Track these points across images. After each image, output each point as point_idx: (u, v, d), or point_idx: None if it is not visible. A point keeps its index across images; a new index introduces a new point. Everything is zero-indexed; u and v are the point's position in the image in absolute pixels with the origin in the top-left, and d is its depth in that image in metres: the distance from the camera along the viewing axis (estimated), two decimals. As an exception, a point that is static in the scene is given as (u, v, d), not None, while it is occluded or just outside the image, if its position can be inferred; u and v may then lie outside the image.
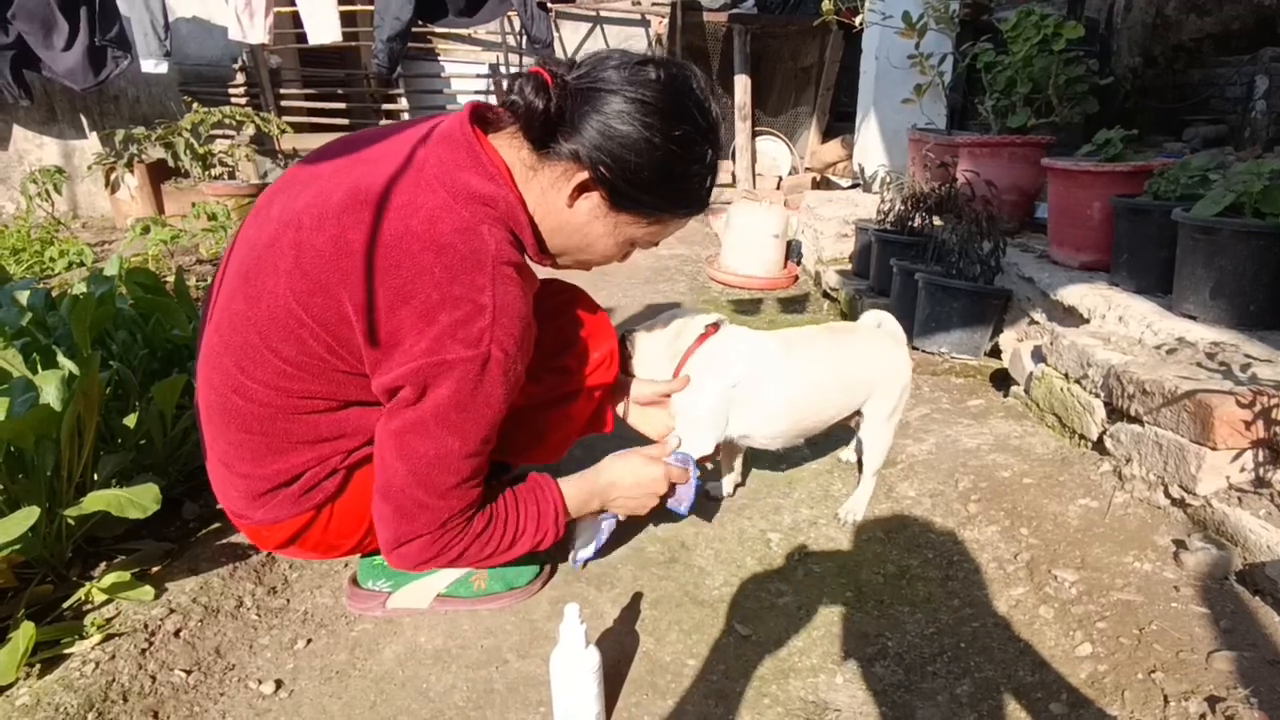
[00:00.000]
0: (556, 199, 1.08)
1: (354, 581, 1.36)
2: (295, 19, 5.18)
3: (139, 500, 1.27)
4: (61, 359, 1.58)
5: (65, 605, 1.28)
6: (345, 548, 1.24)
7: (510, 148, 1.08)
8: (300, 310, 1.01)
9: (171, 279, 3.19)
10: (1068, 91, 2.78)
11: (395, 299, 0.98)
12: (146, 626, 1.24)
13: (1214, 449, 1.41)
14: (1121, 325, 1.95)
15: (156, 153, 5.35)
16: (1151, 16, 7.04)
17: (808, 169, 5.91)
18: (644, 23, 6.73)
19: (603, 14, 6.70)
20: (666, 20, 5.78)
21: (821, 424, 1.55)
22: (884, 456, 1.62)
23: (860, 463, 1.74)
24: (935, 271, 2.49)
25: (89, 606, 1.30)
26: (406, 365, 0.99)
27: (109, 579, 1.30)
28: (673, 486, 1.34)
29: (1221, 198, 1.71)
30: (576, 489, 1.25)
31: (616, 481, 1.29)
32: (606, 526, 1.38)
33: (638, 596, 1.37)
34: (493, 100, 1.34)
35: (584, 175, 1.04)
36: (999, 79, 2.94)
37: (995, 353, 2.47)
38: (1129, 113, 6.66)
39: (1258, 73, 6.21)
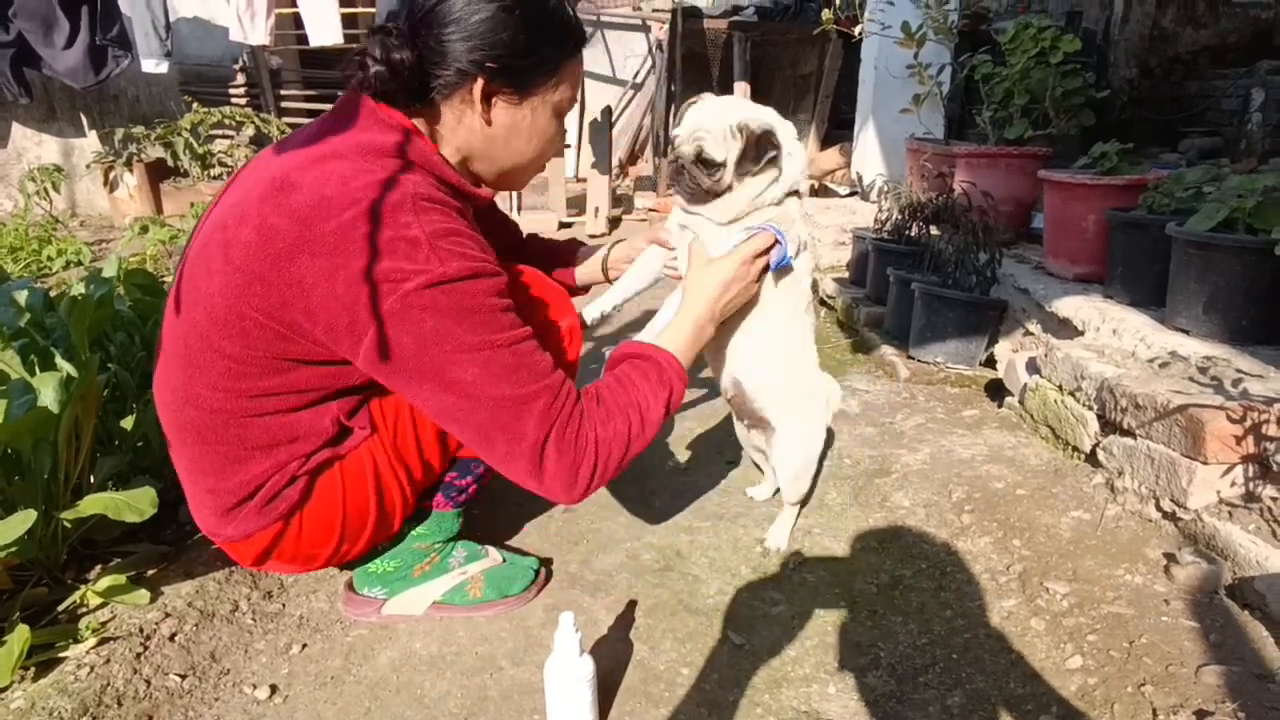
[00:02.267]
0: (474, 123, 1.10)
1: (350, 587, 1.36)
2: (296, 20, 5.19)
3: (136, 504, 1.27)
4: (60, 361, 1.58)
5: (60, 608, 1.28)
6: (322, 557, 1.22)
7: (408, 111, 1.08)
8: (240, 304, 1.01)
9: (169, 279, 3.20)
10: (1064, 104, 2.81)
11: (333, 266, 0.96)
12: (141, 630, 1.25)
13: (1205, 463, 1.42)
14: (1115, 338, 1.96)
15: (156, 152, 5.35)
16: (1148, 29, 7.08)
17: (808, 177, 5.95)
18: (645, 28, 6.75)
19: (603, 19, 6.72)
20: (667, 26, 5.80)
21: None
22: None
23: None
24: (931, 281, 2.51)
25: (84, 610, 1.30)
26: (376, 323, 0.97)
27: (104, 582, 1.30)
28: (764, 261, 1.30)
29: (1215, 213, 1.72)
30: (678, 333, 1.21)
31: (708, 296, 1.24)
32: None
33: (632, 604, 1.38)
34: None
35: (480, 82, 1.05)
36: (996, 90, 2.96)
37: (990, 363, 2.48)
38: (1125, 124, 6.70)
39: (1254, 85, 6.25)
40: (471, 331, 0.98)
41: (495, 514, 1.64)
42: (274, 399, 1.08)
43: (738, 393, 1.48)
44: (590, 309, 1.43)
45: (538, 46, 1.08)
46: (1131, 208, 2.12)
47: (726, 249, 1.30)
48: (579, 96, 1.21)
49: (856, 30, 3.53)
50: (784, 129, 1.32)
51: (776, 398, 1.47)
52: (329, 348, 1.02)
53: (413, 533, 1.32)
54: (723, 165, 1.27)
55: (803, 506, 1.64)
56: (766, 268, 1.31)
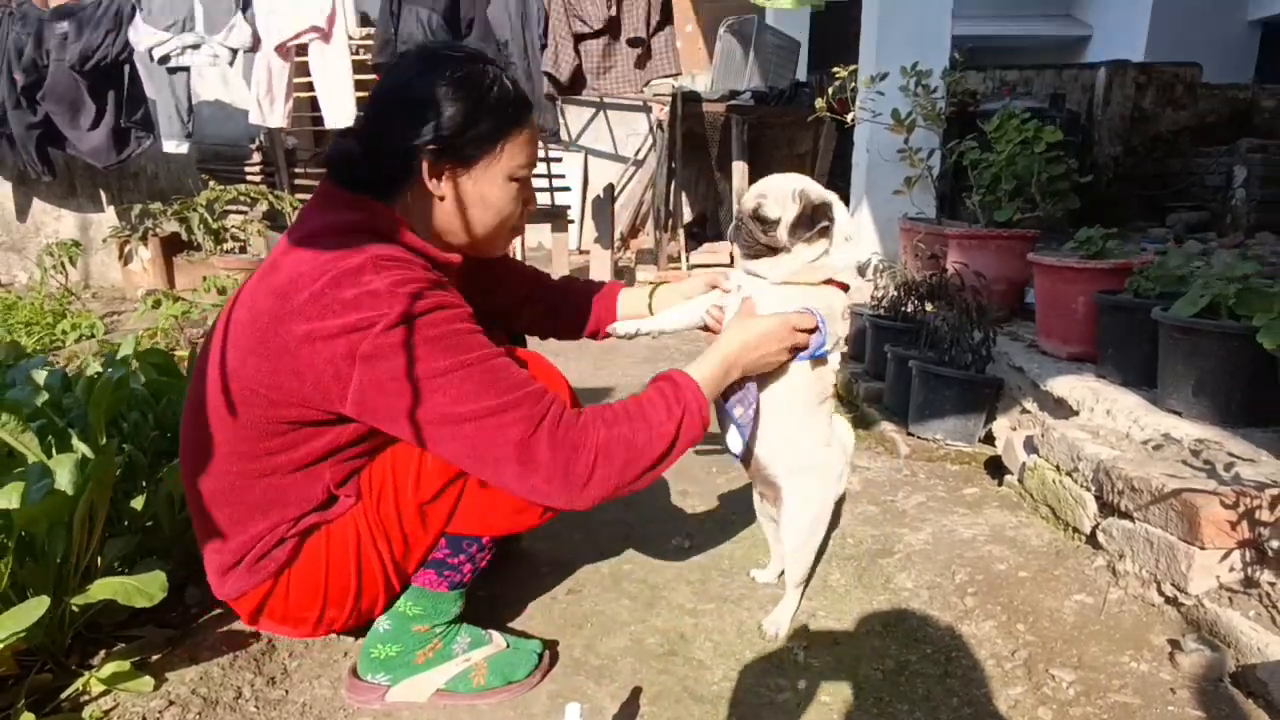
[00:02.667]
0: (431, 201, 1.20)
1: (354, 673, 1.36)
2: (312, 102, 5.42)
3: (146, 589, 1.29)
4: (76, 441, 1.62)
5: (64, 695, 1.28)
6: (310, 621, 1.26)
7: (377, 195, 1.19)
8: (239, 376, 1.12)
9: (180, 353, 3.26)
10: (1050, 188, 2.92)
11: (310, 329, 1.06)
12: (145, 719, 1.24)
13: (1202, 548, 1.44)
14: (1109, 419, 2.00)
15: (171, 226, 5.51)
16: (1129, 110, 7.38)
17: (803, 250, 6.09)
18: (646, 109, 7.04)
19: (606, 101, 7.01)
20: (667, 108, 6.05)
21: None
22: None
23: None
24: (928, 358, 2.56)
25: (86, 698, 1.30)
26: (354, 368, 1.05)
27: (108, 669, 1.30)
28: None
29: (1198, 299, 1.79)
30: (705, 364, 1.26)
31: (746, 342, 1.29)
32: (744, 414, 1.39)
33: (637, 691, 1.37)
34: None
35: (426, 160, 1.16)
36: (985, 175, 3.08)
37: (989, 439, 2.51)
38: (1113, 198, 6.91)
39: (1235, 163, 6.47)
40: (442, 356, 1.06)
41: (496, 596, 1.65)
42: (273, 459, 1.16)
43: (753, 459, 1.51)
44: (626, 324, 1.56)
45: (475, 121, 1.17)
46: (1119, 290, 2.19)
47: (774, 310, 1.37)
48: (534, 160, 1.29)
49: (849, 117, 3.70)
50: (842, 211, 1.42)
51: (788, 465, 1.50)
52: (320, 404, 1.11)
53: (409, 613, 1.31)
54: (777, 223, 1.37)
55: (804, 589, 1.64)
56: (802, 347, 1.37)
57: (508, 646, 1.40)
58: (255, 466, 1.16)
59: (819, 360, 1.41)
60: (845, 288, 1.45)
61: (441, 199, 1.20)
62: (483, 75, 1.18)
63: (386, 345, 1.04)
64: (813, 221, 1.36)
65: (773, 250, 1.39)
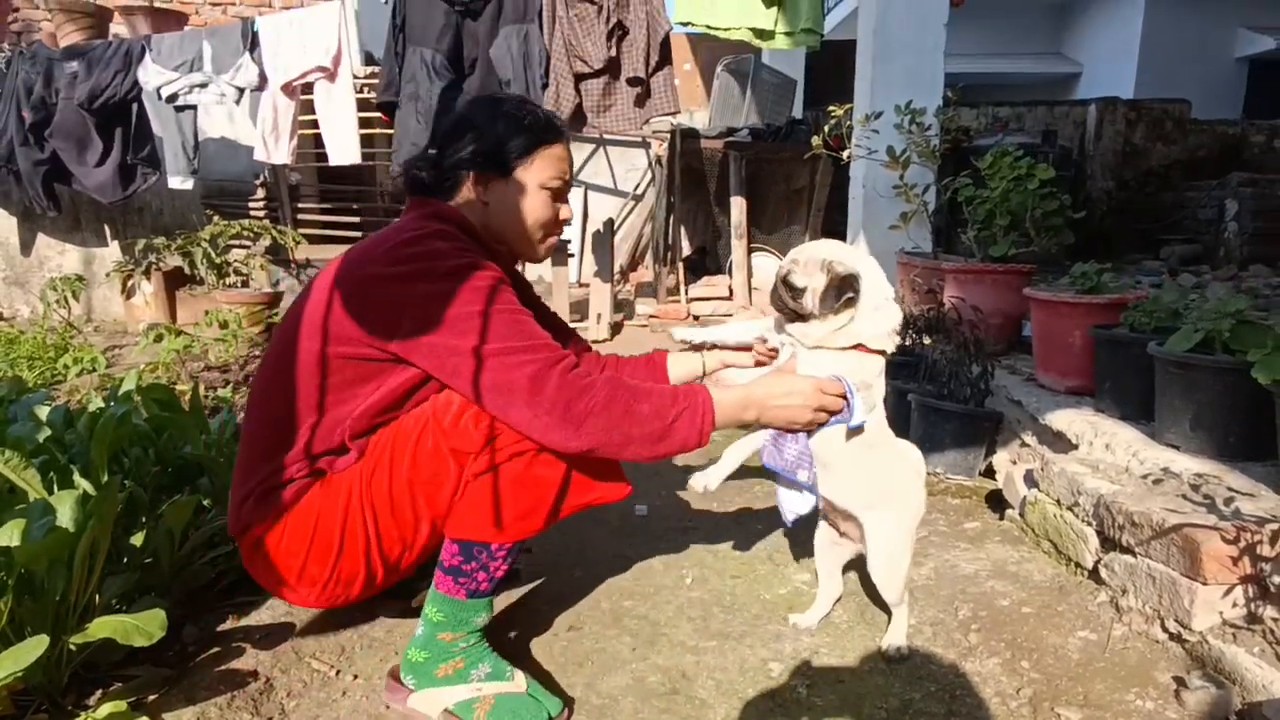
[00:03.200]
0: (477, 206, 1.43)
1: (393, 673, 1.40)
2: (317, 139, 5.51)
3: (145, 627, 1.28)
4: (77, 478, 1.62)
5: (60, 737, 1.26)
6: (293, 571, 1.33)
7: (446, 205, 1.43)
8: (314, 318, 1.30)
9: (181, 387, 3.26)
10: (1045, 223, 2.96)
11: (378, 274, 1.27)
12: (141, 761, 1.23)
13: (1205, 584, 1.43)
14: (1109, 453, 2.00)
15: (174, 260, 5.55)
16: (1120, 145, 7.50)
17: (802, 283, 6.14)
18: (645, 145, 7.15)
19: (606, 137, 7.12)
20: (666, 145, 6.15)
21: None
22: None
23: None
24: (927, 392, 2.58)
25: (83, 739, 1.28)
26: (407, 305, 1.25)
27: (105, 709, 1.28)
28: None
29: (1192, 334, 1.80)
30: (728, 393, 1.34)
31: (772, 391, 1.35)
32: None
33: (638, 731, 1.36)
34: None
35: (472, 171, 1.40)
36: (979, 211, 3.13)
37: (990, 473, 2.51)
38: (1107, 232, 6.99)
39: (1226, 197, 6.56)
40: (481, 302, 1.24)
41: (495, 632, 1.63)
42: (318, 394, 1.30)
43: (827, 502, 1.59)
44: (683, 330, 1.70)
45: (511, 137, 1.40)
46: (1115, 324, 2.21)
47: (808, 373, 1.43)
48: (569, 179, 1.49)
49: (845, 154, 3.76)
50: (873, 280, 1.44)
51: (863, 501, 1.56)
52: (375, 341, 1.26)
53: (434, 619, 1.34)
54: (804, 290, 1.42)
55: (905, 606, 1.62)
56: (830, 410, 1.38)
57: (526, 691, 1.36)
58: (300, 400, 1.30)
59: (855, 431, 1.44)
60: (882, 353, 1.47)
61: (486, 204, 1.42)
62: (522, 105, 1.45)
63: (438, 290, 1.24)
64: (839, 293, 1.39)
65: (802, 316, 1.44)
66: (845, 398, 1.37)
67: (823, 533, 1.70)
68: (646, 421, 1.23)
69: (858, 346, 1.44)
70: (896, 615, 1.60)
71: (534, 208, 1.44)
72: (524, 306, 1.31)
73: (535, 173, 1.42)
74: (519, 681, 1.38)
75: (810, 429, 1.39)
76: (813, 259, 1.43)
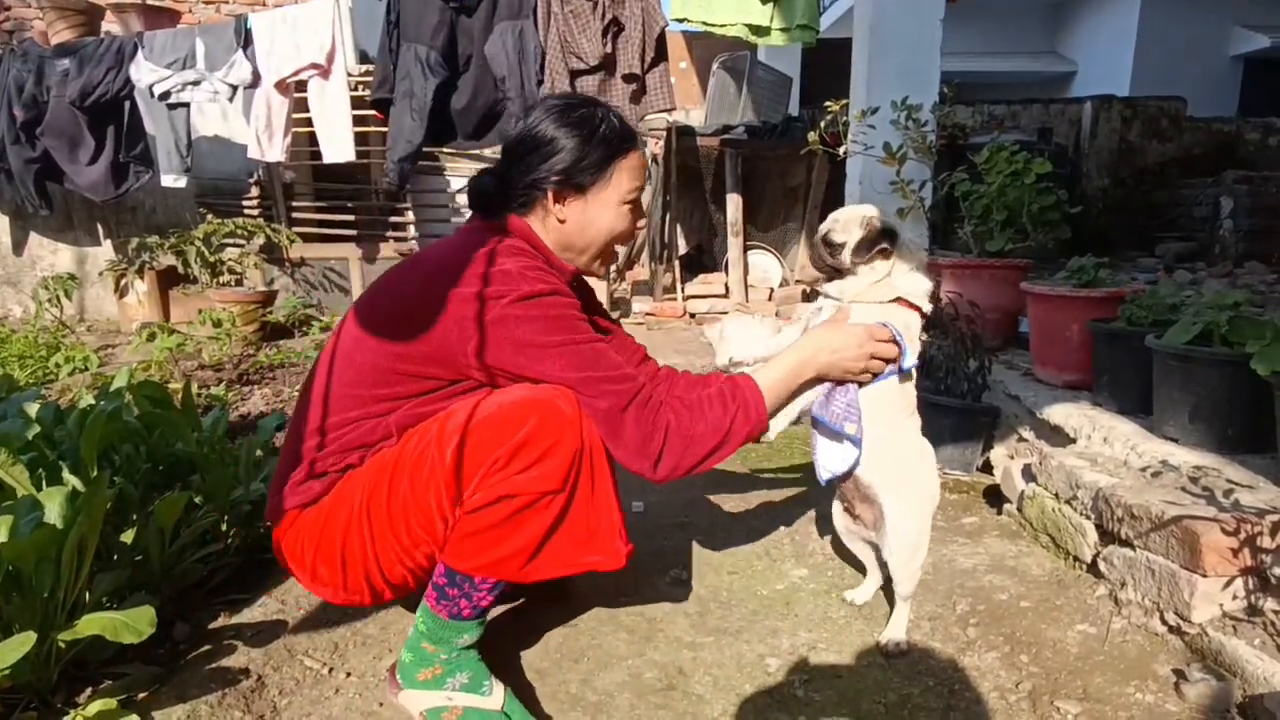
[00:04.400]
0: (553, 223, 1.39)
1: (392, 670, 1.39)
2: (311, 137, 5.48)
3: (134, 624, 1.26)
4: (66, 474, 1.60)
5: (48, 735, 1.25)
6: (306, 561, 1.33)
7: (516, 219, 1.41)
8: (376, 329, 1.30)
9: (173, 385, 3.24)
10: (1041, 219, 2.96)
11: (449, 294, 1.25)
12: (130, 759, 1.21)
13: (1204, 576, 1.42)
14: (1107, 446, 2.00)
15: (167, 259, 5.51)
16: (1116, 143, 7.50)
17: (798, 281, 6.12)
18: (641, 143, 7.13)
19: (602, 135, 7.09)
20: (662, 142, 6.13)
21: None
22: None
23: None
24: (925, 387, 2.56)
25: (72, 737, 1.26)
26: (480, 331, 1.24)
27: (95, 707, 1.27)
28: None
29: (1190, 327, 1.80)
30: (773, 368, 1.39)
31: (824, 344, 1.39)
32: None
33: (635, 727, 1.34)
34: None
35: (550, 190, 1.36)
36: (976, 206, 3.12)
37: (987, 468, 2.50)
38: (1103, 229, 6.99)
39: (1222, 194, 6.57)
40: (556, 333, 1.25)
41: (490, 629, 1.62)
42: (375, 404, 1.30)
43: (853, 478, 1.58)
44: (733, 350, 1.69)
45: (586, 155, 1.36)
46: (1112, 318, 2.21)
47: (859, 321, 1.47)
48: (643, 183, 1.45)
49: (841, 150, 3.74)
50: (910, 243, 1.53)
51: (887, 482, 1.55)
52: (442, 359, 1.26)
53: (420, 628, 1.33)
54: (843, 246, 1.49)
55: (911, 601, 1.61)
56: (881, 358, 1.44)
57: (501, 708, 1.32)
58: (357, 409, 1.30)
59: (906, 375, 1.48)
60: (919, 309, 1.51)
61: (562, 221, 1.39)
62: (593, 115, 1.37)
63: (511, 316, 1.23)
64: (872, 244, 1.46)
65: (840, 273, 1.51)
66: (896, 343, 1.41)
67: (839, 518, 1.72)
68: (705, 441, 1.30)
69: (898, 300, 1.48)
70: (899, 608, 1.59)
71: (613, 222, 1.41)
72: (585, 314, 1.33)
73: (614, 187, 1.39)
74: (495, 697, 1.32)
75: (863, 379, 1.43)
76: (853, 218, 1.50)
